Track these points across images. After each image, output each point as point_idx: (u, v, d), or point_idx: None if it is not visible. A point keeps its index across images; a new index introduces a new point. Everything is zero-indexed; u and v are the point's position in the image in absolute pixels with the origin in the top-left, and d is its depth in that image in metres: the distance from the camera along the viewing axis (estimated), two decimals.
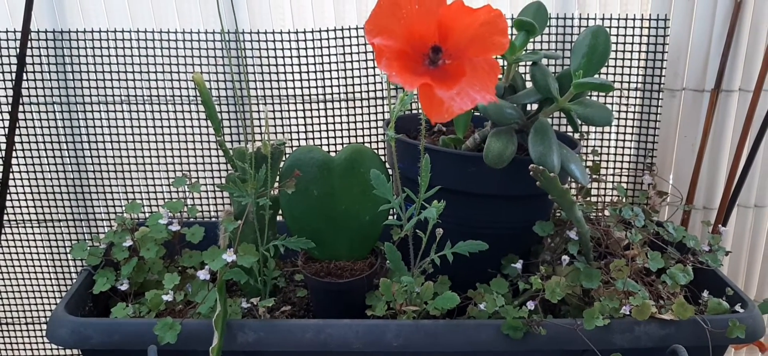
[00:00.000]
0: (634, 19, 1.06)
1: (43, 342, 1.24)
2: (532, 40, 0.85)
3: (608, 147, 1.14)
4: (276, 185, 0.88)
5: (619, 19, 1.07)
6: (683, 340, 0.80)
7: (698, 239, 0.95)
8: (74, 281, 0.91)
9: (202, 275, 0.79)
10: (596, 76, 0.82)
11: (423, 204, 0.78)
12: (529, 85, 0.88)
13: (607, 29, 1.04)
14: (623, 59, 1.09)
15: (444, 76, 0.58)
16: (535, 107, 0.89)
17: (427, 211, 0.76)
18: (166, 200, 1.10)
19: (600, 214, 1.03)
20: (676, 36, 1.08)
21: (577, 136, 1.08)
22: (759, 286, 1.24)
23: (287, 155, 0.91)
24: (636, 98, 1.11)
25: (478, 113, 0.99)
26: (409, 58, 0.58)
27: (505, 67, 0.88)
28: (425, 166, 0.76)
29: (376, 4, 0.57)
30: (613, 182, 1.14)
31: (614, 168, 1.15)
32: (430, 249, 0.82)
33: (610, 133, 1.14)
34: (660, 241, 0.96)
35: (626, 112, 1.12)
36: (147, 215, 1.01)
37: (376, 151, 0.93)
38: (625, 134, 1.13)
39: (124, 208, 1.10)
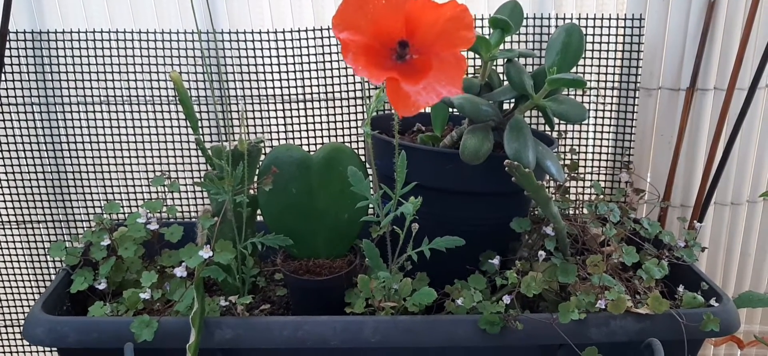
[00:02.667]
0: (609, 19, 1.08)
1: (22, 345, 1.23)
2: (507, 38, 0.86)
3: (585, 146, 1.16)
4: (254, 183, 0.88)
5: (594, 19, 1.08)
6: (659, 334, 0.81)
7: (674, 235, 0.97)
8: (52, 281, 0.90)
9: (179, 272, 0.79)
10: (572, 71, 0.83)
11: (399, 200, 0.79)
12: (506, 84, 0.89)
13: (583, 29, 1.06)
14: (600, 59, 1.10)
15: (411, 70, 0.59)
16: (511, 106, 0.90)
17: (403, 206, 0.77)
18: (145, 201, 1.09)
19: (577, 211, 1.04)
20: (651, 36, 1.10)
21: (554, 134, 1.09)
22: (737, 283, 1.25)
23: (266, 154, 0.91)
24: (612, 97, 1.13)
25: (455, 111, 1.01)
26: (376, 53, 0.59)
27: (481, 66, 0.89)
28: (401, 162, 0.77)
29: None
30: (591, 180, 1.16)
31: (592, 167, 1.16)
32: (408, 246, 0.82)
33: (587, 132, 1.15)
34: (637, 238, 0.98)
35: (603, 111, 1.13)
36: (126, 216, 1.01)
37: (355, 150, 0.93)
38: (602, 132, 1.14)
39: (103, 208, 1.10)
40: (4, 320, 1.20)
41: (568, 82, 0.79)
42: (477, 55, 0.88)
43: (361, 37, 0.58)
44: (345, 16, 0.58)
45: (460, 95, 0.59)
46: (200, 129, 0.87)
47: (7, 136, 1.07)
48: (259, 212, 0.92)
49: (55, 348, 0.82)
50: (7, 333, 1.21)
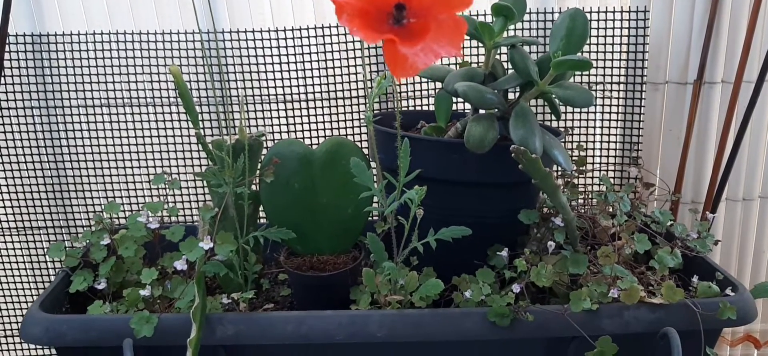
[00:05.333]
0: (613, 12, 1.07)
1: (23, 353, 1.21)
2: (510, 27, 0.85)
3: (593, 142, 1.14)
4: (256, 176, 0.87)
5: (598, 12, 1.07)
6: (674, 324, 0.78)
7: (686, 227, 0.94)
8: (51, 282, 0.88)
9: (180, 265, 0.77)
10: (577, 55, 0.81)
11: (403, 189, 0.77)
12: (510, 72, 0.88)
13: (588, 20, 1.04)
14: (605, 53, 1.09)
15: (408, 34, 0.58)
16: (517, 95, 0.88)
17: (408, 193, 0.75)
18: (146, 203, 1.08)
19: (586, 203, 1.02)
20: (656, 28, 1.08)
21: (562, 129, 1.08)
22: (752, 281, 1.23)
23: (267, 150, 0.90)
24: (619, 91, 1.11)
25: (460, 106, 0.99)
26: (372, 17, 0.58)
27: (484, 55, 0.88)
28: (404, 149, 0.75)
29: None
30: (599, 175, 1.14)
31: (600, 163, 1.14)
32: (413, 237, 0.81)
33: (594, 127, 1.14)
34: (648, 231, 0.95)
35: (610, 106, 1.12)
36: (127, 218, 0.99)
37: (357, 144, 0.92)
38: (609, 128, 1.13)
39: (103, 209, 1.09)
40: (4, 327, 1.19)
41: (574, 64, 0.77)
42: (481, 44, 0.87)
43: (356, 1, 0.56)
44: None
45: (459, 56, 0.57)
46: (201, 126, 0.86)
47: (6, 140, 1.07)
48: (262, 211, 0.91)
49: (54, 348, 0.80)
50: (7, 341, 1.19)
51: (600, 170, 1.14)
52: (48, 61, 1.04)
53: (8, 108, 1.05)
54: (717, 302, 0.79)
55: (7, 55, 1.01)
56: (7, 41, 1.00)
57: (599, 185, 1.13)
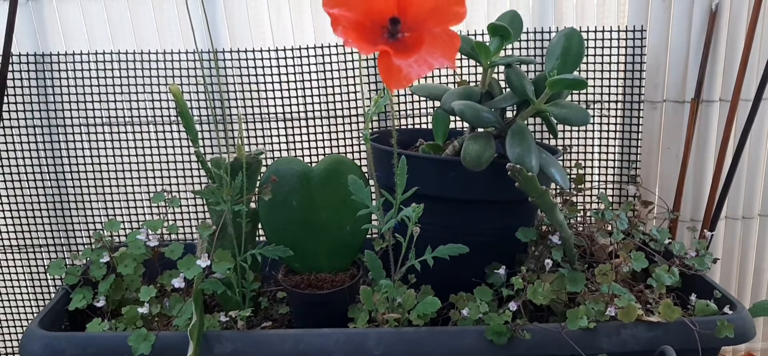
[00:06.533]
0: (611, 31, 1.08)
1: None
2: (506, 46, 0.86)
3: (591, 160, 1.14)
4: (254, 194, 0.87)
5: (596, 31, 1.08)
6: (672, 342, 0.78)
7: (684, 245, 0.94)
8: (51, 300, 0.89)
9: (178, 283, 0.77)
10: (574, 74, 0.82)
11: (400, 206, 0.77)
12: (506, 91, 0.89)
13: (585, 40, 1.05)
14: (602, 72, 1.10)
15: (403, 47, 0.59)
16: (513, 114, 0.89)
17: (405, 211, 0.75)
18: (146, 221, 1.09)
19: (584, 220, 1.02)
20: (653, 47, 1.09)
21: (560, 147, 1.08)
22: (752, 298, 1.22)
23: (266, 167, 0.90)
24: (617, 110, 1.12)
25: (458, 125, 1.00)
26: (367, 30, 0.59)
27: (481, 74, 0.88)
28: (401, 167, 0.75)
29: None
30: (597, 193, 1.14)
31: (598, 181, 1.15)
32: (410, 254, 0.81)
33: (592, 146, 1.14)
34: (647, 249, 0.95)
35: (608, 124, 1.12)
36: (127, 235, 1.00)
37: (356, 163, 0.92)
38: (607, 146, 1.13)
39: (103, 227, 1.09)
40: (5, 344, 1.19)
41: (569, 83, 0.78)
42: (477, 64, 0.87)
43: (351, 14, 0.57)
44: None
45: (452, 67, 0.58)
46: (201, 144, 0.87)
47: (8, 158, 1.08)
48: (260, 230, 0.91)
49: None
50: None
51: (598, 188, 1.15)
52: (50, 80, 1.05)
53: (11, 126, 1.06)
54: (715, 320, 0.79)
55: (10, 75, 1.02)
56: (11, 61, 1.01)
57: (598, 203, 1.13)
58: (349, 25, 0.57)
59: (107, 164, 1.09)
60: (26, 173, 1.09)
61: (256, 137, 1.09)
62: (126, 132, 1.08)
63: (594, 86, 1.10)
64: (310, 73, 1.07)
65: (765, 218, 1.19)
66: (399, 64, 0.56)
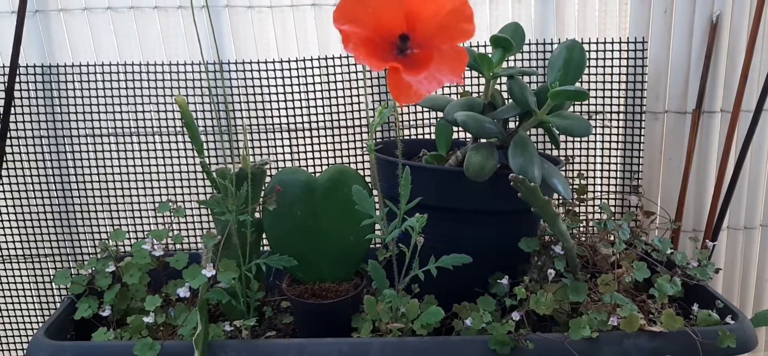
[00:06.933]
0: (612, 42, 1.08)
1: None
2: (509, 58, 0.87)
3: (594, 170, 1.15)
4: (259, 203, 0.88)
5: (597, 43, 1.09)
6: (674, 352, 0.79)
7: (686, 255, 0.95)
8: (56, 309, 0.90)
9: (182, 292, 0.78)
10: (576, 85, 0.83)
11: (404, 216, 0.78)
12: (509, 102, 0.89)
13: (587, 53, 1.06)
14: (604, 83, 1.10)
15: (412, 63, 0.60)
16: (516, 125, 0.90)
17: (408, 221, 0.76)
18: (152, 230, 1.09)
19: (587, 230, 1.02)
20: (655, 58, 1.10)
21: (562, 158, 1.09)
22: (755, 308, 1.22)
23: (271, 177, 0.91)
24: (619, 121, 1.12)
25: (461, 136, 1.01)
26: (377, 47, 0.60)
27: (484, 85, 0.89)
28: (405, 178, 0.76)
29: None
30: (600, 203, 1.14)
31: (600, 191, 1.15)
32: (414, 264, 0.81)
33: (595, 156, 1.15)
34: (649, 259, 0.96)
35: (610, 135, 1.13)
36: (132, 245, 1.01)
37: (360, 173, 0.93)
38: (609, 157, 1.14)
39: (108, 237, 1.10)
40: (11, 353, 1.19)
41: (571, 95, 0.78)
42: (480, 75, 0.88)
43: (361, 30, 0.58)
44: (346, 10, 0.59)
45: (460, 82, 0.59)
46: (206, 155, 0.87)
47: (15, 168, 1.09)
48: (265, 240, 0.92)
49: None
50: None
51: (601, 199, 1.15)
52: (57, 91, 1.06)
53: (18, 137, 1.07)
54: (717, 330, 0.79)
55: (17, 86, 1.04)
56: (18, 72, 1.03)
57: (600, 213, 1.14)
58: (359, 41, 0.58)
59: (113, 174, 1.10)
60: (33, 182, 1.10)
61: (260, 147, 1.10)
62: (132, 143, 1.09)
63: (596, 97, 1.11)
64: (314, 84, 1.08)
65: (767, 228, 1.19)
66: (409, 80, 0.57)
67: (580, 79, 0.84)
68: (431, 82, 0.57)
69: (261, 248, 0.94)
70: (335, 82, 1.09)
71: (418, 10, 0.59)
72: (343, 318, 0.86)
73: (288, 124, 1.10)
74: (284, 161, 1.11)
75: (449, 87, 1.10)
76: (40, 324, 1.17)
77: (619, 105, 1.12)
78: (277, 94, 1.08)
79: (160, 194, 1.11)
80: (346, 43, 0.58)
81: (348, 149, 1.11)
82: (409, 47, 0.60)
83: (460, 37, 0.59)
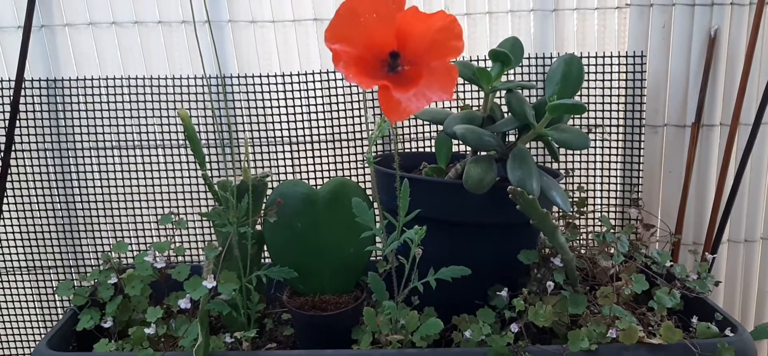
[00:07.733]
0: (611, 57, 1.09)
1: None
2: (507, 72, 0.88)
3: (594, 183, 1.15)
4: (260, 215, 0.88)
5: (597, 57, 1.09)
6: None
7: (685, 268, 0.95)
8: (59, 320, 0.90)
9: (183, 304, 0.79)
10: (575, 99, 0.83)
11: (403, 229, 0.78)
12: (507, 115, 0.90)
13: (586, 67, 1.07)
14: (603, 96, 1.11)
15: (402, 80, 0.60)
16: (515, 138, 0.90)
17: (407, 233, 0.77)
18: (154, 242, 1.10)
19: (586, 243, 1.03)
20: (654, 72, 1.11)
21: (562, 171, 1.09)
22: (756, 321, 1.22)
23: (272, 190, 0.92)
24: (618, 134, 1.13)
25: (460, 149, 1.01)
26: (367, 64, 0.60)
27: (483, 99, 0.90)
28: (404, 190, 0.77)
29: (335, 13, 0.60)
30: (599, 216, 1.15)
31: (600, 205, 1.16)
32: (413, 276, 0.82)
33: (594, 170, 1.15)
34: (649, 272, 0.96)
35: (610, 148, 1.13)
36: (135, 258, 1.02)
37: (360, 186, 0.94)
38: (609, 171, 1.14)
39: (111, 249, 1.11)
40: None
41: (569, 108, 0.79)
42: (479, 89, 0.89)
43: (352, 49, 0.59)
44: (337, 30, 0.60)
45: (450, 99, 0.59)
46: (208, 167, 0.88)
47: (20, 181, 1.10)
48: (265, 252, 0.92)
49: None
50: None
51: (600, 211, 1.16)
52: (62, 105, 1.08)
53: (22, 150, 1.09)
54: (716, 342, 0.79)
55: (23, 100, 1.05)
56: (24, 86, 1.04)
57: (600, 225, 1.14)
58: (350, 60, 0.59)
59: (116, 186, 1.11)
60: (37, 195, 1.11)
61: (262, 160, 1.11)
62: (135, 156, 1.10)
63: (596, 111, 1.12)
64: (315, 97, 1.09)
65: (767, 241, 1.20)
66: (398, 97, 0.58)
67: (578, 93, 0.85)
68: (420, 99, 0.58)
69: (262, 260, 0.94)
70: (336, 95, 1.10)
71: (409, 27, 0.60)
72: (343, 330, 0.86)
73: (289, 137, 1.11)
74: (285, 173, 1.12)
75: (448, 100, 1.11)
76: (43, 335, 1.18)
77: (618, 119, 1.12)
78: (278, 107, 1.09)
79: (163, 207, 1.12)
80: (336, 63, 0.59)
81: (349, 161, 1.12)
82: (399, 64, 0.61)
83: (449, 54, 0.59)
